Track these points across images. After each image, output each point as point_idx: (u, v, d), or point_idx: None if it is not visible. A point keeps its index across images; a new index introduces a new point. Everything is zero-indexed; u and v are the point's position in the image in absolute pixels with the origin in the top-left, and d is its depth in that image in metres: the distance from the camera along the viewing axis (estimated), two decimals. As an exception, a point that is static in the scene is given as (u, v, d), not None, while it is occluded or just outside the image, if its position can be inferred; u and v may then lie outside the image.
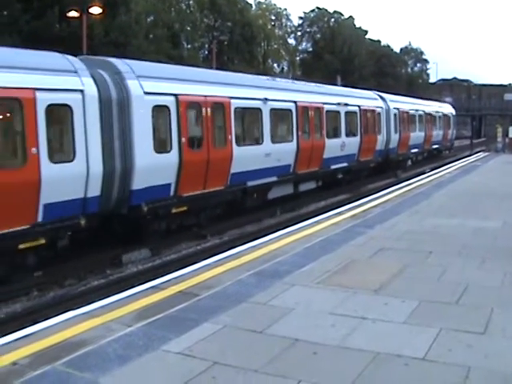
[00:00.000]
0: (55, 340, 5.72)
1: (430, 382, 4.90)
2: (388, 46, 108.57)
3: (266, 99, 17.75)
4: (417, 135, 34.19)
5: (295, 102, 19.49)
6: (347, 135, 23.70)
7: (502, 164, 30.57)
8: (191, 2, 66.30)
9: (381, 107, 28.18)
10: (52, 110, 10.92)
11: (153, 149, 13.35)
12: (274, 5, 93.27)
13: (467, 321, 6.21)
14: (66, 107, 11.27)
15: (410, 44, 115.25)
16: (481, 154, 39.25)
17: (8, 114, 10.80)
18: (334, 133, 22.77)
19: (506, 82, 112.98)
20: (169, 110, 13.80)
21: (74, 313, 6.57)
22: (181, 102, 14.02)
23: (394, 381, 4.92)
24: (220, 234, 15.95)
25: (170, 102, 13.81)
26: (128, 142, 12.72)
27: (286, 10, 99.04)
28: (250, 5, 79.62)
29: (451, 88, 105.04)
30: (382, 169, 29.28)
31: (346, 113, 23.72)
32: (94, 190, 11.82)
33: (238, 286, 7.58)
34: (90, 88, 11.79)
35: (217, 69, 39.57)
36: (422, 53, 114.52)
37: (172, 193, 14.10)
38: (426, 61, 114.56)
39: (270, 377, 4.95)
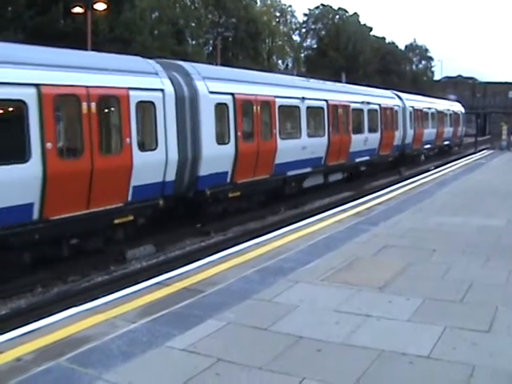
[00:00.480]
0: (59, 336, 5.72)
1: (435, 380, 4.89)
2: (393, 43, 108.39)
3: (304, 98, 19.70)
4: (429, 132, 35.94)
5: (326, 101, 21.46)
6: (369, 131, 25.66)
7: (507, 162, 30.52)
8: (196, -1, 66.28)
9: (398, 105, 30.09)
10: (140, 106, 12.86)
11: (215, 141, 15.35)
12: (279, 1, 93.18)
13: (472, 319, 6.19)
14: (150, 104, 13.23)
15: (414, 41, 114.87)
16: (485, 152, 39.15)
17: (111, 109, 12.83)
18: (358, 129, 24.55)
19: (511, 80, 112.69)
20: (227, 107, 15.80)
21: (77, 309, 6.58)
22: (237, 100, 16.05)
23: (398, 379, 4.91)
24: (224, 230, 15.95)
25: (228, 100, 15.80)
26: (196, 134, 14.74)
27: (290, 6, 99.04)
28: (255, 1, 79.53)
29: (456, 85, 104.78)
30: (398, 163, 30.83)
31: (369, 110, 25.64)
32: (171, 176, 13.81)
33: (243, 282, 7.58)
34: (168, 87, 13.82)
35: (221, 65, 39.54)
36: (426, 50, 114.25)
37: (229, 179, 16.16)
38: (430, 58, 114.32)
39: (274, 374, 4.95)
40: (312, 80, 23.71)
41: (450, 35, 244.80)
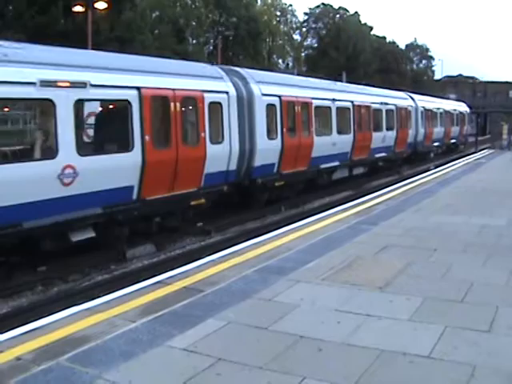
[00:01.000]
0: (59, 335, 5.72)
1: (435, 379, 4.89)
2: (393, 43, 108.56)
3: (334, 99, 21.95)
4: (438, 130, 37.90)
5: (352, 102, 23.62)
6: (387, 129, 27.69)
7: (507, 161, 30.51)
8: (196, -2, 66.28)
9: (411, 106, 32.20)
10: (211, 105, 14.92)
11: (266, 136, 17.49)
12: (280, 0, 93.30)
13: (472, 319, 6.19)
14: (218, 104, 15.31)
15: (415, 40, 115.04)
16: (486, 152, 39.15)
17: (190, 108, 14.74)
18: (378, 127, 26.58)
19: (511, 79, 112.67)
20: (275, 107, 17.96)
21: (78, 308, 6.58)
22: (283, 102, 18.23)
23: (398, 378, 4.91)
24: (224, 230, 15.95)
25: (276, 101, 17.99)
26: (252, 130, 16.88)
27: (291, 5, 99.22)
28: (256, 0, 79.61)
29: (456, 85, 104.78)
30: (410, 159, 33.06)
31: (386, 111, 27.76)
32: (233, 165, 15.94)
33: (243, 282, 7.58)
34: (232, 90, 16.01)
35: (222, 64, 39.56)
36: (427, 49, 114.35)
37: (275, 170, 18.24)
38: (431, 57, 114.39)
39: (274, 373, 4.95)
40: (339, 83, 26.67)
41: (451, 34, 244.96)
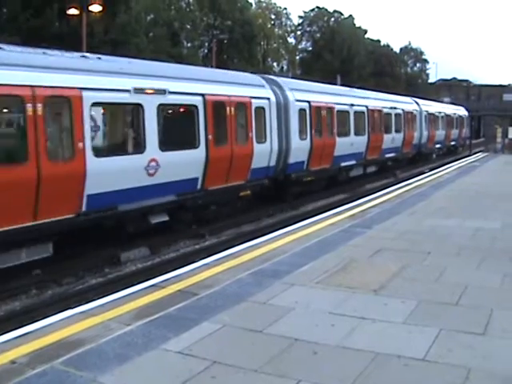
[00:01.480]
0: (54, 338, 5.71)
1: (430, 382, 4.89)
2: (388, 46, 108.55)
3: (352, 104, 24.50)
4: (440, 133, 40.55)
5: (367, 107, 26.18)
6: (396, 132, 30.31)
7: (501, 165, 30.61)
8: (191, 1, 66.21)
9: (416, 110, 34.85)
10: (256, 110, 17.35)
11: (298, 137, 19.79)
12: (274, 4, 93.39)
13: (467, 321, 6.21)
14: (262, 108, 17.71)
15: (409, 44, 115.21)
16: (480, 155, 39.28)
17: (241, 112, 16.79)
18: (388, 129, 29.09)
19: (505, 83, 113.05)
20: (305, 112, 20.35)
21: (72, 311, 6.56)
22: (311, 107, 20.71)
23: (393, 381, 4.91)
24: (218, 233, 15.94)
25: (306, 106, 20.40)
26: (287, 132, 19.25)
27: (285, 9, 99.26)
28: (250, 4, 79.62)
29: (450, 88, 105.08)
30: (415, 159, 35.73)
31: (395, 114, 30.43)
32: (273, 162, 18.37)
33: (237, 285, 7.57)
34: (272, 96, 18.54)
35: (217, 67, 39.61)
36: (421, 53, 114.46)
37: (305, 167, 20.60)
38: (425, 61, 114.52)
39: (269, 376, 4.95)
40: (355, 90, 28.91)
41: (445, 38, 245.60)
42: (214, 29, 67.58)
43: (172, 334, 5.84)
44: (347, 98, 24.65)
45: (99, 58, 12.99)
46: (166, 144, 13.60)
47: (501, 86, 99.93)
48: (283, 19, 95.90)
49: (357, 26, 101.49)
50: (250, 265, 8.62)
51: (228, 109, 15.94)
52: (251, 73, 21.83)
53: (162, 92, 13.51)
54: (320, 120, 21.48)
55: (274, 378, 4.93)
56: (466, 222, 12.48)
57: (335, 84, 39.60)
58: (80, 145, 11.33)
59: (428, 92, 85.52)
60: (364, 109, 25.79)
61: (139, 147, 13.13)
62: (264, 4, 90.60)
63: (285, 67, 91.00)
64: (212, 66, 44.83)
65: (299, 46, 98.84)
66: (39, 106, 10.46)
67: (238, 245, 10.38)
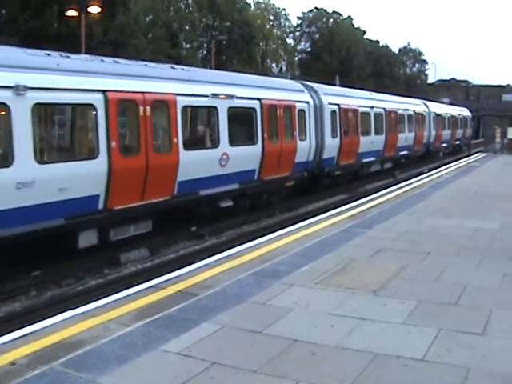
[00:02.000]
0: (54, 340, 5.71)
1: (429, 382, 4.90)
2: (386, 47, 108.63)
3: (373, 107, 27.25)
4: (446, 133, 43.08)
5: (384, 109, 28.92)
6: (408, 131, 32.87)
7: (501, 165, 30.63)
8: (190, 2, 66.24)
9: (425, 111, 37.61)
10: (299, 112, 19.95)
11: (330, 135, 22.33)
12: (273, 5, 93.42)
13: (466, 321, 6.21)
14: (303, 111, 20.28)
15: (408, 44, 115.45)
16: (479, 155, 39.30)
17: (287, 114, 19.28)
18: (401, 129, 31.60)
19: (504, 83, 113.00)
20: (335, 113, 22.93)
21: (72, 312, 6.56)
22: (341, 109, 23.32)
23: (392, 381, 4.92)
24: (218, 233, 15.93)
25: (336, 108, 23.01)
26: (322, 131, 21.73)
27: (284, 10, 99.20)
28: (249, 4, 79.67)
29: (449, 88, 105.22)
30: (424, 157, 38.04)
31: (408, 116, 32.98)
32: (311, 157, 20.91)
33: (237, 285, 7.58)
34: (310, 100, 21.20)
35: (216, 69, 39.63)
36: (420, 53, 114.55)
37: (335, 162, 23.07)
38: (424, 61, 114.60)
39: (268, 377, 4.95)
40: (375, 93, 30.99)
41: (444, 38, 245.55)
42: (213, 30, 67.56)
43: (172, 334, 5.85)
44: (368, 101, 27.34)
45: (183, 69, 15.82)
46: (233, 140, 16.13)
47: (500, 86, 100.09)
48: (282, 20, 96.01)
49: (355, 26, 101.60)
50: (250, 265, 8.63)
51: (278, 111, 18.60)
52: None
53: (231, 97, 16.17)
54: (347, 121, 24.14)
55: (274, 378, 4.93)
56: (466, 222, 12.50)
57: (334, 85, 40.14)
58: (175, 140, 13.81)
59: (427, 92, 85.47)
60: (382, 111, 28.40)
61: (215, 142, 15.80)
62: (263, 5, 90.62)
63: (284, 68, 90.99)
64: (211, 67, 44.79)
65: (298, 47, 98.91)
66: (148, 109, 12.96)
67: (238, 245, 10.39)
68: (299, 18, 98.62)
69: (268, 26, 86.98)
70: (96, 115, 11.82)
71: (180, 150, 13.82)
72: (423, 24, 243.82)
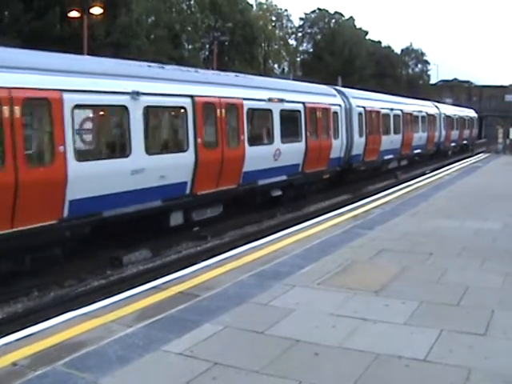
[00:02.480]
0: (56, 340, 5.72)
1: (431, 383, 4.91)
2: (389, 47, 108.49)
3: (392, 109, 29.62)
4: (455, 133, 45.37)
5: (402, 110, 31.07)
6: (422, 131, 35.20)
7: (503, 165, 30.58)
8: (192, 3, 66.24)
9: (437, 113, 39.97)
10: (333, 114, 22.27)
11: (358, 134, 24.69)
12: (275, 5, 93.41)
13: (468, 322, 6.21)
14: (336, 113, 22.63)
15: (410, 45, 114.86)
16: (481, 155, 39.28)
17: (323, 116, 21.35)
18: (416, 129, 33.93)
19: (506, 83, 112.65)
20: (362, 115, 25.27)
21: (74, 313, 6.57)
22: (366, 111, 25.78)
23: (394, 382, 4.92)
24: (220, 234, 15.93)
25: (362, 111, 25.37)
26: (351, 130, 24.09)
27: (286, 10, 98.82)
28: (251, 5, 79.68)
29: (452, 89, 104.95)
30: (435, 155, 40.00)
31: (421, 117, 35.40)
32: (342, 153, 23.24)
33: (239, 286, 7.58)
34: (342, 103, 23.59)
35: (218, 69, 39.66)
36: (422, 54, 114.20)
37: (361, 159, 25.42)
38: (426, 62, 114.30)
39: (270, 377, 4.96)
40: (392, 96, 34.14)
41: (446, 39, 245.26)
42: (215, 31, 67.51)
43: (173, 335, 5.85)
44: (388, 104, 29.98)
45: (245, 77, 19.05)
46: (284, 138, 18.42)
47: (502, 86, 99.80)
48: (284, 21, 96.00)
49: (358, 27, 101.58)
50: (252, 266, 8.63)
51: (318, 113, 20.90)
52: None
53: (282, 101, 18.57)
54: (371, 121, 26.46)
55: (276, 379, 4.94)
56: (468, 222, 12.49)
57: (336, 85, 40.44)
58: (242, 137, 16.36)
59: (430, 93, 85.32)
60: (400, 112, 30.74)
61: (270, 140, 18.09)
62: (265, 6, 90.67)
63: (286, 69, 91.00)
64: (213, 68, 44.81)
65: (300, 48, 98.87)
66: (223, 111, 15.49)
67: (239, 246, 10.39)
68: (301, 18, 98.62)
69: (270, 27, 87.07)
70: (186, 116, 14.21)
71: (246, 146, 16.44)
72: (425, 25, 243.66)
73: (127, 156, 12.52)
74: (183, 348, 5.54)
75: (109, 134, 14.49)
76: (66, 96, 10.84)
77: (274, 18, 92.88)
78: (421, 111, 35.54)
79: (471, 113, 55.68)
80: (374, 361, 5.25)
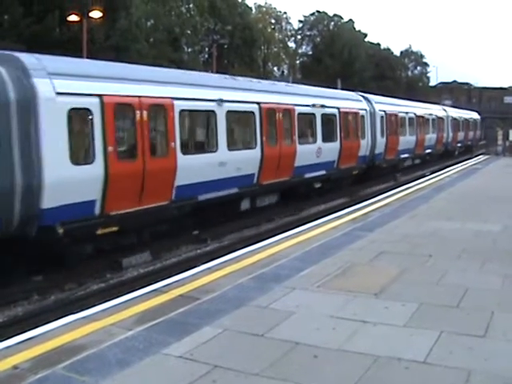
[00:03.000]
0: (56, 344, 5.72)
1: (431, 385, 4.91)
2: (388, 49, 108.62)
3: (407, 112, 32.75)
4: (460, 134, 48.51)
5: (415, 114, 34.30)
6: (432, 133, 38.39)
7: (502, 167, 30.60)
8: (191, 6, 66.27)
9: (445, 115, 43.02)
10: (360, 117, 25.24)
11: (380, 135, 27.73)
12: (274, 8, 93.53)
13: (468, 324, 6.22)
14: (363, 117, 25.55)
15: (410, 47, 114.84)
16: (481, 157, 39.29)
17: (354, 119, 24.24)
18: (427, 131, 37.28)
19: (506, 85, 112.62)
20: (383, 118, 28.27)
21: (74, 317, 6.57)
22: (387, 115, 28.77)
23: (394, 384, 4.92)
24: (220, 238, 15.94)
25: (383, 114, 28.38)
26: (374, 131, 27.02)
27: (285, 13, 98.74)
28: (250, 8, 79.84)
29: (451, 91, 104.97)
30: (443, 155, 42.77)
31: (432, 119, 38.62)
32: (367, 152, 26.01)
33: (239, 289, 7.59)
34: (367, 108, 26.60)
35: (217, 72, 39.70)
36: (422, 56, 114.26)
37: (382, 157, 28.42)
38: (426, 64, 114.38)
39: (270, 380, 4.96)
40: (407, 101, 36.71)
41: (445, 41, 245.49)
42: (215, 34, 67.68)
43: (173, 338, 5.86)
44: (404, 108, 33.02)
45: (293, 86, 22.91)
46: (324, 138, 21.22)
47: (502, 88, 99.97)
48: (283, 23, 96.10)
49: (357, 29, 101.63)
50: (252, 269, 8.63)
51: (349, 117, 23.75)
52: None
53: (322, 106, 21.41)
54: (391, 124, 29.46)
55: (276, 381, 4.94)
56: (467, 224, 12.50)
57: (336, 88, 41.07)
58: (294, 137, 19.27)
59: (429, 95, 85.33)
60: (413, 115, 33.92)
61: (314, 139, 20.97)
62: (264, 8, 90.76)
63: (285, 71, 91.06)
64: (212, 71, 44.87)
65: (299, 50, 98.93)
66: (280, 115, 18.40)
67: (239, 249, 10.38)
68: (300, 21, 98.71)
69: (269, 30, 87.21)
70: (254, 119, 17.18)
71: (296, 145, 19.27)
72: (425, 27, 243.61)
73: (215, 151, 15.44)
74: (183, 351, 5.55)
75: (202, 133, 17.09)
76: (175, 103, 13.74)
77: (273, 21, 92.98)
78: (431, 114, 38.87)
79: (475, 115, 58.69)
80: (373, 363, 5.25)
